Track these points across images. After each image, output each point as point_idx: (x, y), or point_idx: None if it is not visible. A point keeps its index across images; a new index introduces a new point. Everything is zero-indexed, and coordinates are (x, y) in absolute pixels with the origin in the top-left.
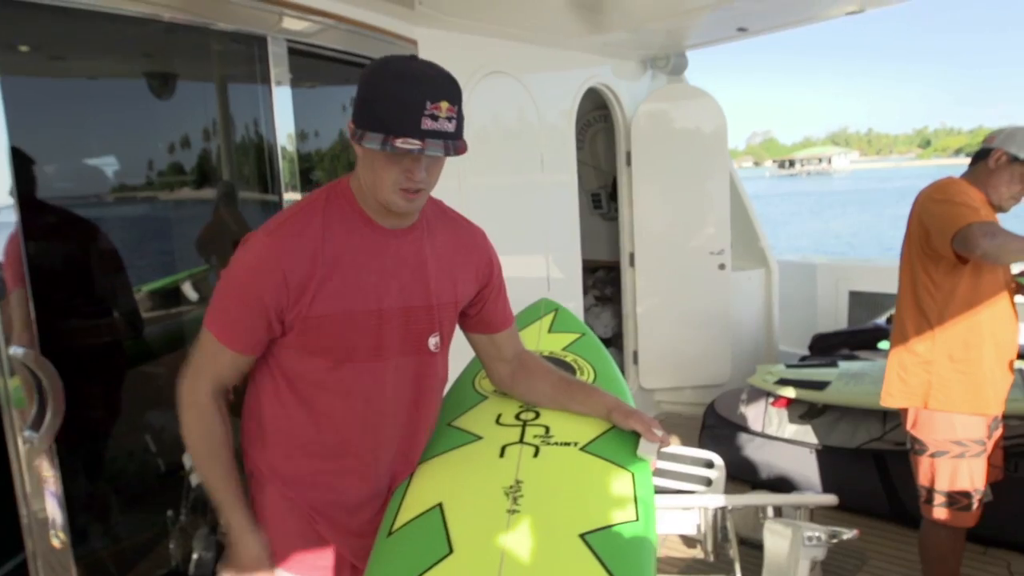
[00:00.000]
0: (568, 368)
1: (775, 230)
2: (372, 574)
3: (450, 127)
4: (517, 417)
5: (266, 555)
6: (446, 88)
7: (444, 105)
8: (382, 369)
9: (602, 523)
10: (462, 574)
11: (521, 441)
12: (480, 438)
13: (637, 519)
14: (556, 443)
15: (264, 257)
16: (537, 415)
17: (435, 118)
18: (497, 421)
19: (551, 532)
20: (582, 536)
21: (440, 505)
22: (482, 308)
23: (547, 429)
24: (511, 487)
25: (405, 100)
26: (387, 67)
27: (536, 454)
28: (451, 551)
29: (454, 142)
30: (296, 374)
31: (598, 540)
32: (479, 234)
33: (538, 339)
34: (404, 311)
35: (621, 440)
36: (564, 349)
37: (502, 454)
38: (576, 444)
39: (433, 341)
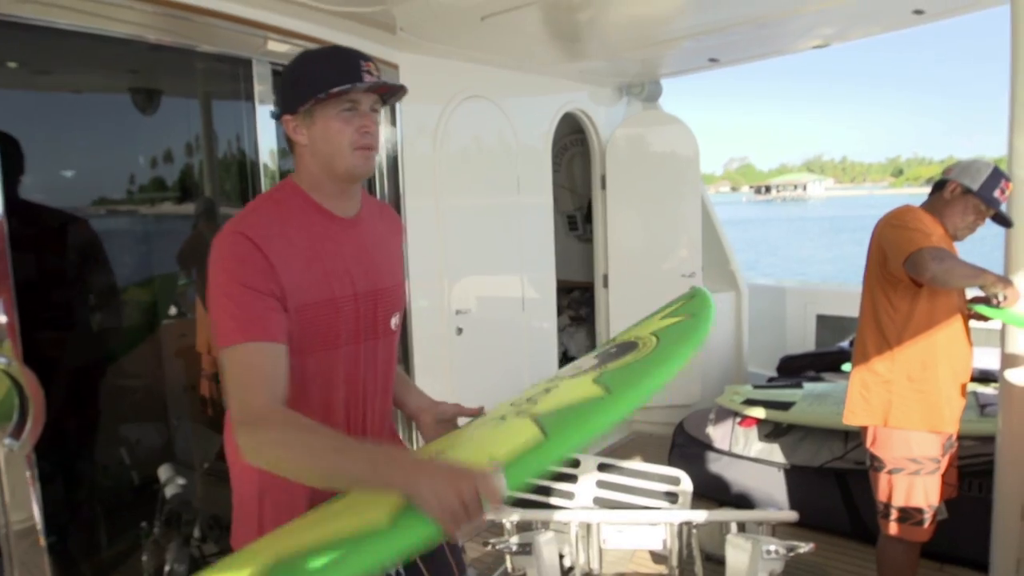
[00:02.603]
0: (630, 346)
1: (778, 254)
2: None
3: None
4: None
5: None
6: (369, 56)
7: (373, 66)
8: (356, 353)
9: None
10: None
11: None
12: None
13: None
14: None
15: (235, 241)
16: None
17: (371, 73)
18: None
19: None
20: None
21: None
22: None
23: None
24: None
25: (343, 60)
26: (308, 52)
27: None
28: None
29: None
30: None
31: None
32: (396, 214)
33: (648, 322)
34: (373, 294)
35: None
36: (651, 332)
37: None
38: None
39: (394, 321)
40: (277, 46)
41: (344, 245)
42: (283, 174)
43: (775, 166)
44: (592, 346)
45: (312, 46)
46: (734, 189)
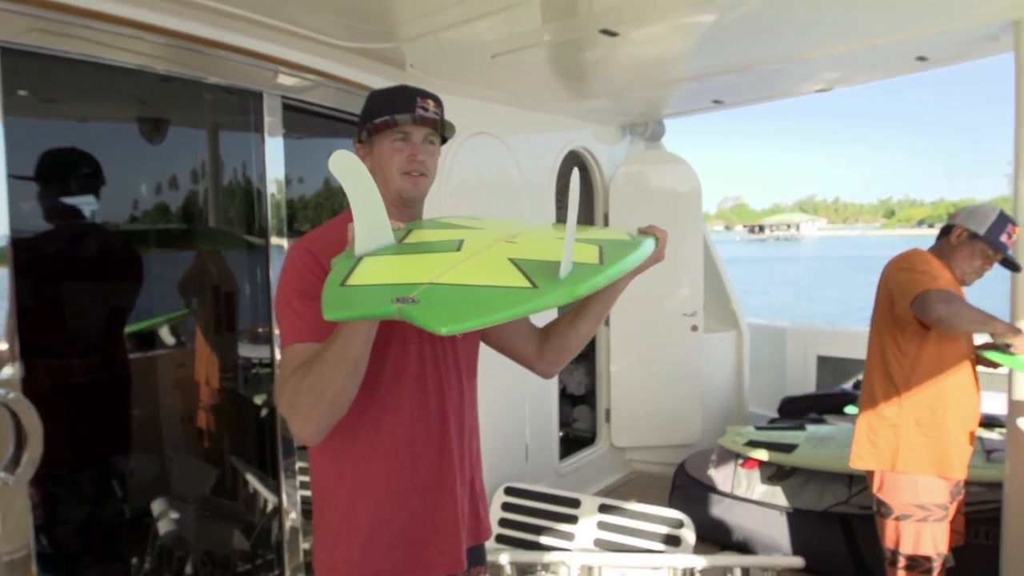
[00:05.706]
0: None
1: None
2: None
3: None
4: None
5: None
6: (431, 95)
7: (431, 103)
8: (419, 352)
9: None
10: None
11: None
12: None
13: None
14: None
15: (298, 254)
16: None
17: (426, 110)
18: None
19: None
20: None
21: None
22: None
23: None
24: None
25: (399, 97)
26: (377, 90)
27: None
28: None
29: (444, 122)
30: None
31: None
32: None
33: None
34: None
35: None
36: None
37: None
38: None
39: None
40: (288, 80)
41: None
42: (290, 204)
43: (768, 206)
44: (592, 384)
45: (323, 81)
46: (728, 228)
